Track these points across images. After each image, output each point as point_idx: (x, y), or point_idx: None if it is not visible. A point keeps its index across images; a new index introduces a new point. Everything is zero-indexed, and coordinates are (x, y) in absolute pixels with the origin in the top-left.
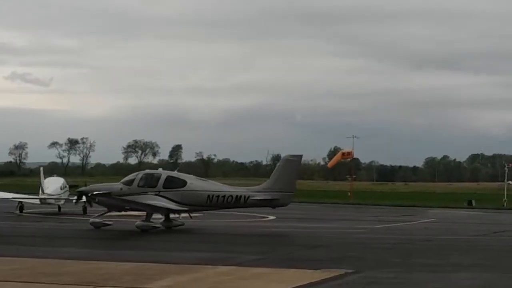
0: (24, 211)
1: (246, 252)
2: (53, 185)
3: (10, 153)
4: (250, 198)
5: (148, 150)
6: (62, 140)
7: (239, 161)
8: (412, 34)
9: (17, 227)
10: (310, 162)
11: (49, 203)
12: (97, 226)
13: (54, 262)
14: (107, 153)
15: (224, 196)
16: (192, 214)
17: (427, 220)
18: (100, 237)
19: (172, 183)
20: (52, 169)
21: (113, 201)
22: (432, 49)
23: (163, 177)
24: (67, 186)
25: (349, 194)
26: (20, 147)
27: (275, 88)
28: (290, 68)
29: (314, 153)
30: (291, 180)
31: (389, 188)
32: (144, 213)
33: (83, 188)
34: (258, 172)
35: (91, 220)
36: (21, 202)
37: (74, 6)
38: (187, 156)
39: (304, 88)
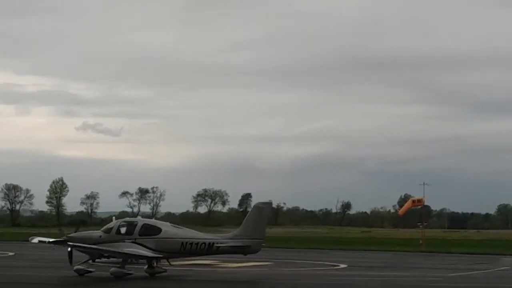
0: (96, 260)
1: None
2: None
3: (82, 203)
4: (222, 245)
5: (217, 198)
6: (133, 189)
7: (308, 209)
8: (482, 80)
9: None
10: (380, 210)
11: None
12: (80, 273)
13: None
14: (177, 202)
15: (197, 244)
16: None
17: (502, 268)
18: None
19: (148, 231)
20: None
21: (87, 249)
22: (503, 94)
23: (139, 224)
24: None
25: (420, 242)
26: (92, 196)
27: (344, 135)
28: (359, 115)
29: (384, 201)
30: (261, 227)
31: (461, 235)
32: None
33: (65, 237)
34: (327, 220)
35: (75, 267)
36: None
37: (141, 58)
38: None
39: (374, 135)
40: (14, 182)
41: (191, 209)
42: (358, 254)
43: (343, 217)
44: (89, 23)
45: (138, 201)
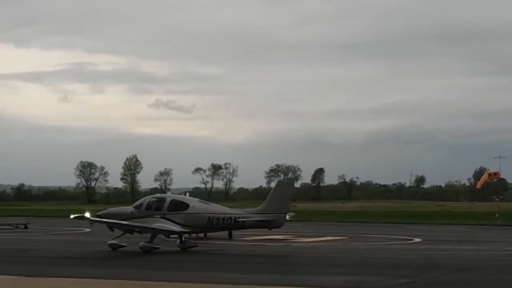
0: (171, 236)
1: (394, 275)
2: None
3: (156, 180)
4: (248, 219)
5: (290, 174)
6: (206, 165)
7: (381, 183)
8: None
9: (164, 252)
10: (455, 183)
11: None
12: (114, 247)
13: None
14: (249, 178)
15: (224, 218)
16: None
17: None
18: (245, 261)
19: (176, 206)
20: (196, 195)
21: (115, 224)
22: None
23: (168, 200)
24: None
25: (496, 215)
26: (165, 173)
27: (417, 109)
28: (432, 88)
29: (459, 174)
30: (285, 202)
31: None
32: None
33: (100, 213)
34: (401, 194)
35: (109, 242)
36: None
37: (212, 34)
38: (330, 179)
39: (447, 108)
40: (89, 160)
41: (264, 185)
42: (432, 228)
43: (417, 191)
44: (161, 0)
45: (211, 177)
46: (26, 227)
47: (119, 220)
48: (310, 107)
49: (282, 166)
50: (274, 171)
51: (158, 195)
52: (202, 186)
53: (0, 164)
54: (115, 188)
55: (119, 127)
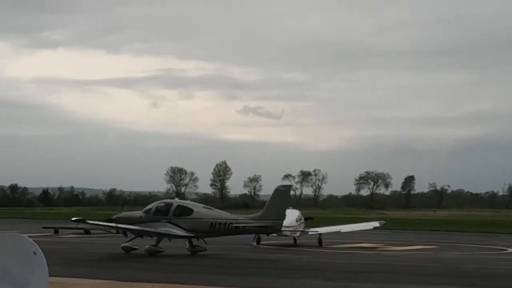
0: (261, 242)
1: (486, 285)
2: (289, 217)
3: (245, 186)
4: (248, 225)
5: (380, 181)
6: (295, 172)
7: (473, 191)
8: None
9: (254, 259)
10: None
11: (285, 235)
12: (126, 250)
13: None
14: (339, 184)
15: (225, 224)
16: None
17: None
18: (336, 269)
19: (181, 211)
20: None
21: (122, 228)
22: None
23: (174, 205)
24: (303, 218)
25: None
26: (255, 179)
27: (510, 115)
28: None
29: None
30: (282, 209)
31: None
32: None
33: (114, 216)
34: (493, 203)
35: (122, 245)
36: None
37: (300, 40)
38: (420, 187)
39: None
40: (179, 165)
41: (353, 192)
42: None
43: (510, 200)
44: (248, 7)
45: (300, 184)
46: (118, 232)
47: (129, 224)
48: (399, 114)
49: (372, 173)
50: (363, 178)
51: (166, 200)
52: (291, 193)
53: (92, 170)
54: (204, 194)
55: (208, 132)
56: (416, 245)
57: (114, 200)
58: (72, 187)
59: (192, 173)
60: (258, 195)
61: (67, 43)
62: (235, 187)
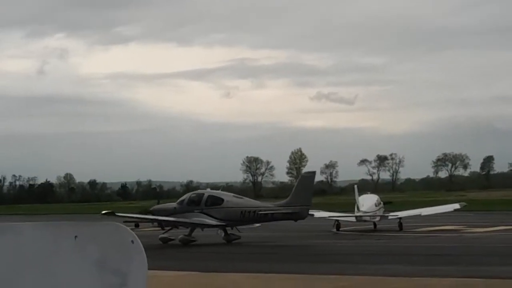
0: (340, 229)
1: None
2: (368, 202)
3: (322, 172)
4: (276, 212)
5: (458, 163)
6: (371, 157)
7: None
8: None
9: (335, 245)
10: None
11: (365, 220)
12: (164, 241)
13: (378, 280)
14: (416, 168)
15: (255, 212)
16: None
17: None
18: (419, 253)
19: (213, 201)
20: (363, 186)
21: (156, 220)
22: None
23: (206, 196)
24: (382, 202)
25: None
26: (331, 166)
27: None
28: None
29: None
30: (308, 195)
31: None
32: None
33: (151, 208)
34: None
35: (160, 236)
36: (337, 220)
37: (374, 23)
38: (500, 167)
39: None
40: (255, 155)
41: (431, 174)
42: None
43: None
44: None
45: (377, 169)
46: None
47: (165, 215)
48: (476, 94)
49: (450, 155)
50: (441, 160)
51: (198, 191)
52: (368, 178)
53: (169, 162)
54: (281, 183)
55: (282, 121)
56: (498, 226)
57: None
58: (149, 181)
59: (268, 162)
60: (335, 182)
61: (139, 37)
62: None
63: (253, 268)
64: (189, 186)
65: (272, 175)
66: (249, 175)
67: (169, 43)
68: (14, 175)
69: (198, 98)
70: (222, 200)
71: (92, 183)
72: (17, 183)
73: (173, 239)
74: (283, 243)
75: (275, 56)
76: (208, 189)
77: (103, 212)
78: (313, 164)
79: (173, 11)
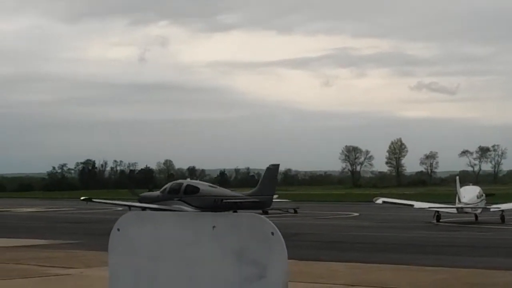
0: (440, 220)
1: None
2: (469, 193)
3: (421, 163)
4: (244, 201)
5: None
6: (473, 148)
7: None
8: None
9: (435, 237)
10: None
11: (466, 212)
12: None
13: (482, 272)
14: None
15: (226, 200)
16: None
17: None
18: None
19: (190, 190)
20: (464, 178)
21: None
22: None
23: (184, 185)
24: (484, 194)
25: None
26: (431, 156)
27: None
28: None
29: None
30: (272, 185)
31: None
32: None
33: (141, 195)
34: None
35: None
36: (437, 211)
37: (481, 13)
38: None
39: None
40: (354, 144)
41: None
42: None
43: None
44: None
45: (478, 160)
46: (295, 212)
47: (150, 202)
48: None
49: None
50: None
51: (178, 181)
52: (470, 169)
53: (267, 150)
54: (380, 172)
55: (382, 110)
56: None
57: (290, 180)
58: (248, 168)
59: (367, 152)
60: (435, 172)
61: (240, 25)
62: (411, 164)
63: (355, 257)
64: (287, 174)
65: (371, 164)
66: (348, 164)
67: (270, 31)
68: (115, 161)
69: (297, 87)
70: (198, 189)
71: (191, 170)
72: (118, 168)
73: None
74: (381, 234)
75: (377, 45)
76: (188, 179)
77: (82, 198)
78: (413, 155)
79: (275, 0)
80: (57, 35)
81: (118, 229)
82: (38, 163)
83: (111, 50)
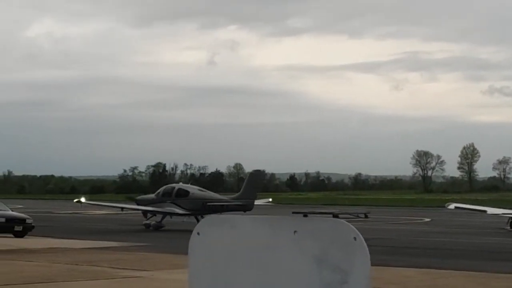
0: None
1: None
2: None
3: (494, 168)
4: (229, 204)
5: None
6: None
7: None
8: None
9: (508, 243)
10: None
11: None
12: (147, 227)
13: None
14: None
15: (213, 204)
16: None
17: None
18: None
19: (181, 194)
20: None
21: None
22: None
23: (176, 189)
24: None
25: None
26: (504, 161)
27: None
28: None
29: None
30: (255, 190)
31: None
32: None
33: (137, 197)
34: None
35: (144, 222)
36: (511, 218)
37: None
38: None
39: None
40: (425, 149)
41: None
42: None
43: None
44: None
45: None
46: (366, 216)
47: (145, 205)
48: None
49: None
50: None
51: (171, 185)
52: None
53: (338, 154)
54: (451, 177)
55: (453, 115)
56: None
57: (360, 185)
58: (318, 172)
59: (438, 156)
60: (508, 178)
61: (310, 30)
62: (484, 170)
63: (427, 263)
64: (357, 179)
65: (442, 169)
66: (419, 169)
67: (340, 35)
68: (185, 164)
69: (366, 90)
70: (188, 192)
71: None
72: (188, 171)
73: (163, 226)
74: (454, 239)
75: (449, 49)
76: (181, 183)
77: (75, 200)
78: (486, 160)
79: (344, 3)
80: (128, 39)
81: (198, 233)
82: (109, 166)
83: (181, 54)
